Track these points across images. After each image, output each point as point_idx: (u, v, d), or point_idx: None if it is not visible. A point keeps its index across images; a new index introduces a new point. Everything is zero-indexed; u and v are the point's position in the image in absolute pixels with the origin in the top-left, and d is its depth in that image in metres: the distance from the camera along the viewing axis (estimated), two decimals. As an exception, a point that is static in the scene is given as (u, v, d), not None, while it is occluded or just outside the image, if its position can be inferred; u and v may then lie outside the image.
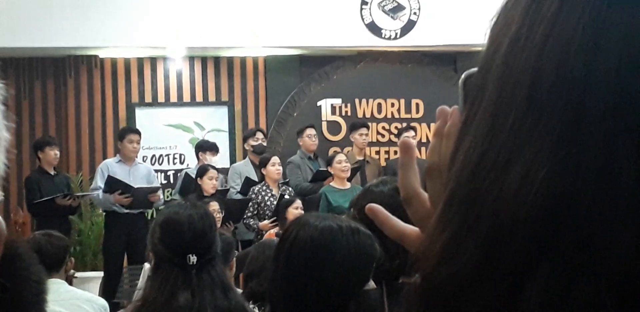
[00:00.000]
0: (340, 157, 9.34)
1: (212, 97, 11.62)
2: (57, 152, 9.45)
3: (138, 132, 9.53)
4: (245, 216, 8.79)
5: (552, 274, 0.53)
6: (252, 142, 10.09)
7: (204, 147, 9.95)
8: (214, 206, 7.35)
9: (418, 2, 11.45)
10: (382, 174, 10.00)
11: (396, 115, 11.84)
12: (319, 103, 11.70)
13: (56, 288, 4.41)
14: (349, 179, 9.24)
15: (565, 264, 0.53)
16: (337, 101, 11.72)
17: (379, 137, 11.77)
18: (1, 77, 0.86)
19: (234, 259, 4.80)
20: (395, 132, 11.33)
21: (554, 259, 0.53)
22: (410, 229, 0.88)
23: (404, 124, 11.37)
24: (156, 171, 10.22)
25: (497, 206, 0.56)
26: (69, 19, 10.50)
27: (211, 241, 3.04)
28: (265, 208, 8.80)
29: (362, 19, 11.37)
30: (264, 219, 8.63)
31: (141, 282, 5.71)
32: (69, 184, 9.71)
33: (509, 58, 0.58)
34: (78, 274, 8.37)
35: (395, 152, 11.28)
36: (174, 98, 11.54)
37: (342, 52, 11.60)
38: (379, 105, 11.80)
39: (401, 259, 2.36)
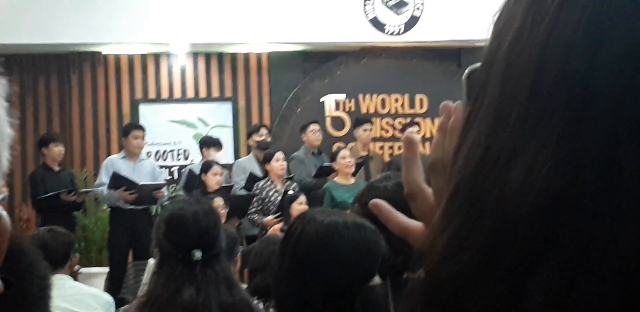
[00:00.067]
0: (344, 152, 9.35)
1: (215, 93, 11.62)
2: (62, 149, 9.47)
3: (142, 128, 9.53)
4: (249, 212, 8.79)
5: (555, 271, 0.53)
6: (256, 137, 10.10)
7: (208, 143, 9.96)
8: (218, 201, 7.35)
9: (421, -3, 11.45)
10: (386, 169, 10.00)
11: (400, 111, 11.84)
12: (322, 99, 11.70)
13: (61, 284, 4.42)
14: (353, 175, 9.24)
15: (568, 261, 0.53)
16: (341, 97, 11.72)
17: (383, 133, 11.77)
18: (5, 73, 0.86)
19: (239, 254, 4.81)
20: (399, 127, 11.33)
21: (557, 256, 0.53)
22: (415, 224, 0.88)
23: (408, 120, 11.37)
24: (160, 166, 10.22)
25: (500, 202, 0.56)
26: (72, 16, 10.50)
27: (216, 236, 3.04)
28: (269, 204, 8.80)
29: (366, 15, 11.36)
30: (268, 215, 8.63)
31: (146, 277, 5.72)
32: (73, 180, 9.72)
33: (512, 53, 0.58)
34: (83, 270, 8.38)
35: (399, 148, 11.28)
36: (177, 94, 11.55)
37: (345, 48, 11.60)
38: (383, 100, 11.80)
39: (405, 254, 2.36)
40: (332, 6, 11.09)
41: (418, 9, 11.43)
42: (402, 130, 10.65)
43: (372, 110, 11.71)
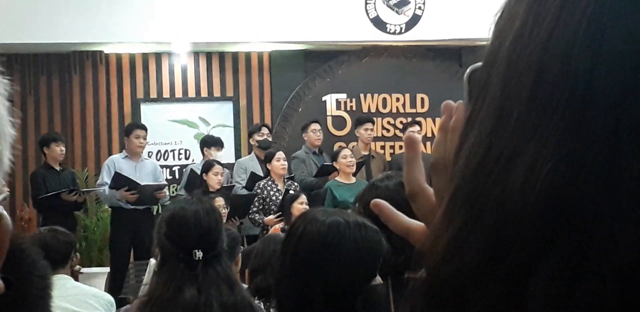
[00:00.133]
0: (346, 152, 9.36)
1: (217, 93, 11.63)
2: (63, 148, 9.47)
3: (144, 128, 9.54)
4: (250, 211, 8.80)
5: (555, 271, 0.53)
6: (257, 137, 10.10)
7: (209, 142, 9.96)
8: (220, 201, 7.35)
9: (423, -4, 11.45)
10: (388, 168, 10.00)
11: (401, 110, 11.84)
12: (324, 98, 11.70)
13: (62, 284, 4.42)
14: (354, 174, 9.25)
15: (569, 261, 0.53)
16: (342, 96, 11.72)
17: (384, 132, 11.77)
18: (6, 73, 0.86)
19: (240, 254, 4.81)
20: (401, 126, 11.33)
21: (557, 255, 0.53)
22: (416, 224, 0.88)
23: (409, 119, 11.37)
24: (161, 166, 10.23)
25: (501, 201, 0.56)
26: (73, 15, 10.50)
27: (217, 236, 3.04)
28: (270, 203, 8.81)
29: (367, 14, 11.36)
30: (270, 214, 8.64)
31: (147, 277, 5.73)
32: (75, 179, 9.73)
33: (514, 53, 0.58)
34: (84, 270, 8.39)
35: (401, 147, 11.28)
36: (179, 93, 11.55)
37: (347, 47, 11.60)
38: (384, 100, 11.80)
39: (407, 254, 2.36)
40: (333, 5, 11.09)
41: (419, 8, 11.43)
42: (403, 129, 10.66)
43: (373, 110, 11.71)
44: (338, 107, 11.72)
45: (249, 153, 10.39)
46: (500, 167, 0.56)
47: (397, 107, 11.84)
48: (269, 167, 9.12)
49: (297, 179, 9.46)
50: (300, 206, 7.72)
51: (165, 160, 11.35)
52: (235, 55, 11.62)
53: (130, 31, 10.70)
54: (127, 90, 11.43)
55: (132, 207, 9.05)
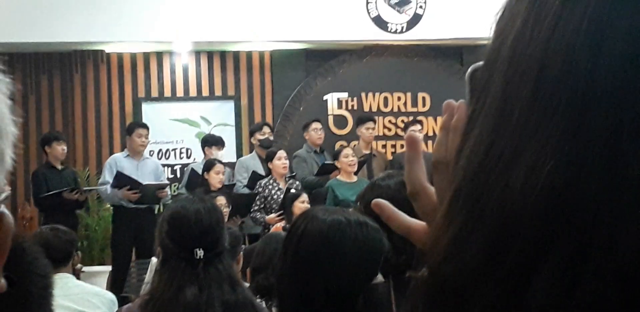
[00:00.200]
0: (347, 151, 9.36)
1: (218, 92, 11.63)
2: (65, 147, 9.47)
3: (146, 127, 9.54)
4: (252, 210, 8.80)
5: (557, 269, 0.53)
6: (258, 136, 10.09)
7: (210, 141, 9.96)
8: (221, 200, 7.35)
9: (424, -5, 11.45)
10: (389, 167, 10.01)
11: (402, 109, 11.83)
12: (325, 97, 11.69)
13: (64, 282, 4.42)
14: (356, 173, 9.25)
15: (570, 260, 0.53)
16: (344, 95, 11.72)
17: (386, 131, 11.77)
18: (7, 72, 0.86)
19: (241, 253, 4.80)
20: (402, 125, 11.33)
21: (558, 255, 0.53)
22: (417, 223, 0.87)
23: (411, 118, 11.38)
24: (163, 165, 10.23)
25: (503, 200, 0.56)
26: (75, 14, 10.50)
27: (218, 235, 3.04)
28: (272, 202, 8.81)
29: (368, 13, 11.36)
30: (271, 213, 8.64)
31: (149, 276, 5.72)
32: (76, 178, 9.73)
33: (515, 52, 0.58)
34: (85, 269, 8.40)
35: (402, 146, 11.28)
36: (180, 93, 11.55)
37: (348, 46, 11.59)
38: (386, 99, 11.79)
39: (408, 253, 2.36)
40: (334, 4, 11.08)
41: (421, 7, 11.43)
42: (405, 128, 10.66)
43: (374, 109, 11.70)
44: (339, 106, 11.72)
45: (251, 152, 10.39)
46: (501, 167, 0.56)
47: (398, 106, 11.84)
48: (270, 166, 9.12)
49: (298, 178, 9.46)
50: (301, 205, 7.73)
51: (167, 159, 11.35)
52: (236, 55, 11.62)
53: (131, 30, 10.70)
54: (128, 89, 11.43)
55: (134, 206, 9.05)
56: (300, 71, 11.66)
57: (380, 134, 11.52)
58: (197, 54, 11.48)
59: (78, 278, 5.36)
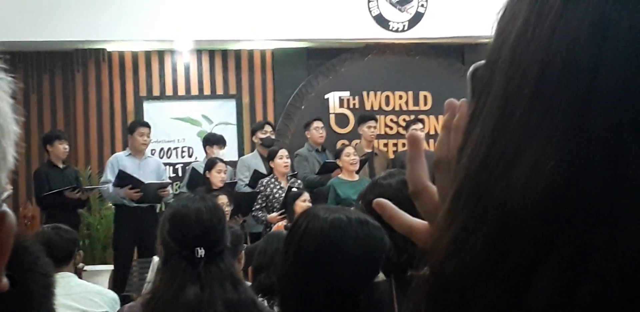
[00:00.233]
0: (349, 150, 9.36)
1: (219, 90, 11.63)
2: (67, 146, 9.47)
3: (148, 126, 9.55)
4: (253, 209, 8.80)
5: (558, 269, 0.53)
6: (260, 135, 10.09)
7: (211, 140, 9.96)
8: (223, 199, 7.35)
9: (425, -6, 11.45)
10: (390, 166, 10.00)
11: (404, 108, 11.83)
12: (326, 96, 11.69)
13: (66, 281, 4.43)
14: (357, 171, 9.26)
15: (571, 261, 0.53)
16: (345, 94, 11.72)
17: (387, 130, 11.77)
18: (9, 71, 0.86)
19: (243, 252, 4.80)
20: (403, 124, 11.32)
21: (560, 254, 0.53)
22: (419, 222, 0.87)
23: (412, 117, 11.37)
24: (164, 164, 10.23)
25: (505, 199, 0.55)
26: (76, 13, 10.50)
27: (220, 234, 3.04)
28: (273, 201, 8.81)
29: (370, 12, 11.36)
30: (273, 212, 8.64)
31: (150, 275, 5.73)
32: (78, 177, 9.73)
33: (516, 51, 0.58)
34: (87, 268, 8.40)
35: (404, 145, 11.29)
36: (181, 91, 11.55)
37: (349, 45, 11.59)
38: (387, 97, 11.79)
39: (409, 252, 2.36)
40: (336, 3, 11.08)
41: (422, 5, 11.43)
42: (406, 127, 10.65)
43: (376, 107, 11.70)
44: (341, 105, 11.72)
45: (252, 151, 10.39)
46: (502, 166, 0.56)
47: (400, 104, 11.84)
48: (271, 164, 9.12)
49: (300, 177, 9.46)
50: (302, 203, 7.73)
51: (169, 158, 11.35)
52: (237, 53, 11.62)
53: (133, 29, 10.70)
54: (130, 88, 11.44)
55: (136, 205, 9.06)
56: (302, 70, 11.66)
57: (382, 132, 11.52)
58: (199, 52, 11.49)
59: (80, 277, 5.36)
